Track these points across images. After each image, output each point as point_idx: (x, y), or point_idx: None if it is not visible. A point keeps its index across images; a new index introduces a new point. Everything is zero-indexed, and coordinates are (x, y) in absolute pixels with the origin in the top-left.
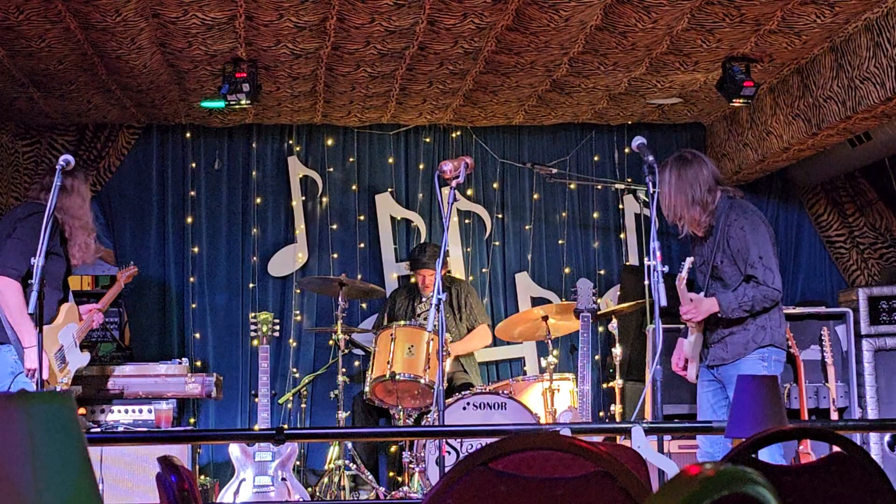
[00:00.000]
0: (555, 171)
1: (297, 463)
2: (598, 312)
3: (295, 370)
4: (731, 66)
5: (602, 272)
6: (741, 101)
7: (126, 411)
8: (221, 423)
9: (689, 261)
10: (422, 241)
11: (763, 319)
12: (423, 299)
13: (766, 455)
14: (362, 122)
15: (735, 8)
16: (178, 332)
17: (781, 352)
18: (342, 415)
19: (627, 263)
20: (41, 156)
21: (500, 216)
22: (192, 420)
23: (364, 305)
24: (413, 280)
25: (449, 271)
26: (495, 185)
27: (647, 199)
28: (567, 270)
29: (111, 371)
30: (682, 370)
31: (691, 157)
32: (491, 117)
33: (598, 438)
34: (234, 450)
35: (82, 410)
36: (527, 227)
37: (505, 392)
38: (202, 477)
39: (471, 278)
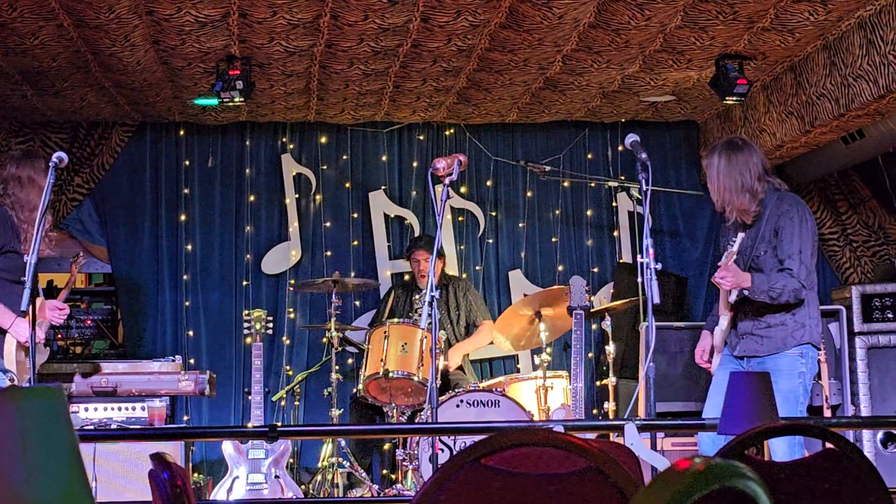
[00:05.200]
0: (548, 168)
1: (291, 460)
2: (592, 310)
3: (288, 368)
4: (724, 64)
5: (595, 270)
6: (734, 98)
7: (119, 409)
8: (215, 421)
9: (740, 237)
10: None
11: (803, 317)
12: (420, 293)
13: (785, 449)
14: (356, 119)
15: (728, 5)
16: (171, 330)
17: (817, 351)
18: (335, 412)
19: (621, 261)
20: None
21: (493, 214)
22: (185, 417)
23: (357, 303)
24: (407, 277)
25: (444, 267)
26: (489, 183)
27: (640, 197)
28: (560, 268)
29: (104, 368)
30: (705, 363)
31: (741, 143)
32: (484, 115)
33: (591, 436)
34: (228, 447)
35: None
36: (520, 225)
37: (498, 390)
38: (195, 474)
39: (464, 276)
